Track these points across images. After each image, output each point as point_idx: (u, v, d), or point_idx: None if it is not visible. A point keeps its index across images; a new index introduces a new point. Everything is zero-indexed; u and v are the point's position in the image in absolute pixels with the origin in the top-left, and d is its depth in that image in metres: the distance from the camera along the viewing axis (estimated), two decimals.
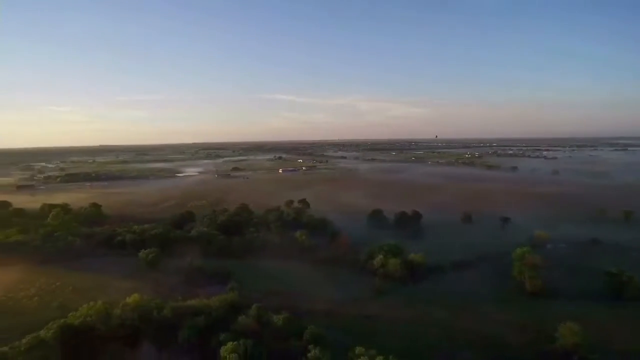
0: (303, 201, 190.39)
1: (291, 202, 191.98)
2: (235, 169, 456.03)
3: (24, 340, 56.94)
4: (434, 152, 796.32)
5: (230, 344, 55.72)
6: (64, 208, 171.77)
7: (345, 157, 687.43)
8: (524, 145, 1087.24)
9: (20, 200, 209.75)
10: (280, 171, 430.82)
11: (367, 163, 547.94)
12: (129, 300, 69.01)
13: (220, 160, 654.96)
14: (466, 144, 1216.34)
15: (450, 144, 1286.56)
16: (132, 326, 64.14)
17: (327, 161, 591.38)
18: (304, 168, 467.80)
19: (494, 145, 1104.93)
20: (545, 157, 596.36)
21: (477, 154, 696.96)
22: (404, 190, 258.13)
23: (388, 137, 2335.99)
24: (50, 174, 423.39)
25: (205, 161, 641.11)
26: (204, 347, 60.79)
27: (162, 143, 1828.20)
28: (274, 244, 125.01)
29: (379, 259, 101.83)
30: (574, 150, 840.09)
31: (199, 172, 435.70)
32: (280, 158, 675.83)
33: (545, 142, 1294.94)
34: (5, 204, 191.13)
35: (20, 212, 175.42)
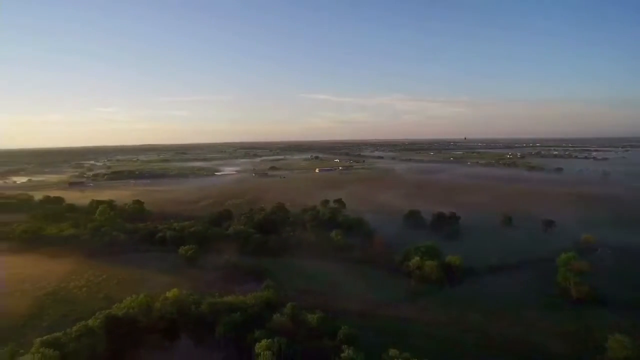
0: (339, 201, 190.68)
1: (327, 201, 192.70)
2: (273, 168, 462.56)
3: (74, 328, 60.71)
4: (473, 153, 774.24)
5: (264, 341, 56.77)
6: (110, 204, 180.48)
7: (382, 157, 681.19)
8: (570, 145, 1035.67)
9: (72, 196, 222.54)
10: (316, 171, 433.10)
11: (404, 163, 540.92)
12: (169, 294, 71.93)
13: (258, 159, 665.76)
14: (508, 144, 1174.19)
15: (490, 144, 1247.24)
16: (171, 320, 66.80)
17: (363, 161, 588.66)
18: (340, 168, 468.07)
19: (538, 146, 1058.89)
20: (594, 158, 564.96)
21: (519, 155, 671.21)
22: (442, 191, 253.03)
23: (426, 137, 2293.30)
24: (98, 171, 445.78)
25: (243, 160, 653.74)
26: (239, 343, 62.24)
27: (201, 142, 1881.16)
28: (309, 243, 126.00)
29: (415, 260, 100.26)
30: (627, 150, 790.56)
31: (237, 171, 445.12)
32: (316, 158, 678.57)
33: (594, 142, 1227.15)
34: (60, 200, 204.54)
35: (72, 208, 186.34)
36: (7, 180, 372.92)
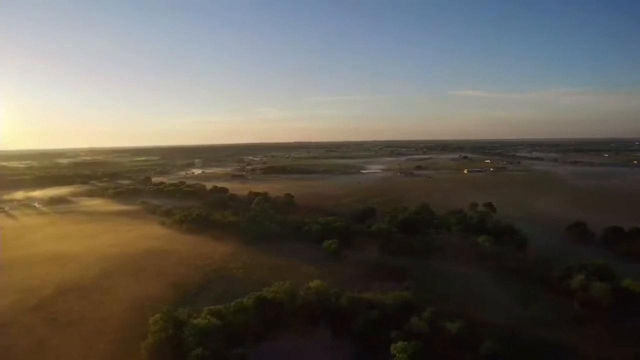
0: (489, 205, 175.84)
1: (475, 204, 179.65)
2: (418, 167, 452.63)
3: (232, 304, 69.25)
4: None
5: (401, 343, 55.72)
6: (265, 196, 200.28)
7: (541, 159, 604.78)
8: None
9: (234, 187, 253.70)
10: (465, 171, 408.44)
11: (568, 166, 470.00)
12: (312, 284, 76.40)
13: (403, 158, 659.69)
14: None
15: None
16: (312, 308, 70.71)
17: (518, 162, 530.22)
18: (491, 169, 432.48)
19: None
20: None
21: None
22: (619, 201, 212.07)
23: (597, 136, 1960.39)
24: (255, 166, 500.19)
25: (388, 159, 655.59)
26: (373, 340, 62.34)
27: (349, 140, 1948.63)
28: (454, 247, 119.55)
29: (579, 279, 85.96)
30: None
31: (382, 170, 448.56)
32: (465, 158, 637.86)
33: None
34: (224, 190, 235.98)
35: (234, 197, 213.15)
36: (187, 172, 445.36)
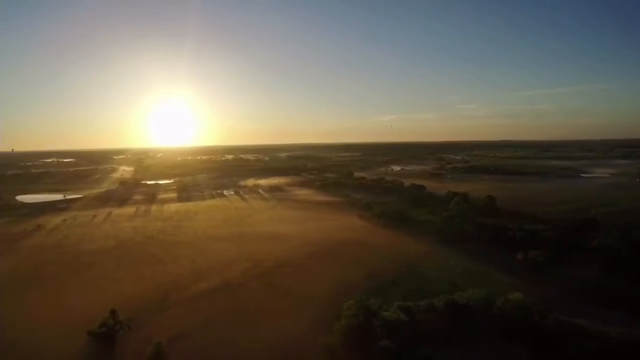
0: None
1: None
2: None
3: (422, 302, 69.30)
4: None
5: None
6: (464, 197, 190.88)
7: None
8: None
9: (431, 186, 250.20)
10: None
11: None
12: (511, 296, 69.27)
13: None
14: None
15: None
16: (509, 322, 64.23)
17: None
18: None
19: None
20: None
21: None
22: None
23: None
24: (455, 165, 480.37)
25: (622, 161, 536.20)
26: None
27: (568, 139, 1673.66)
28: None
29: None
30: None
31: (611, 174, 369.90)
32: None
33: None
34: (421, 187, 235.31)
35: (431, 196, 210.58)
36: (387, 168, 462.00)
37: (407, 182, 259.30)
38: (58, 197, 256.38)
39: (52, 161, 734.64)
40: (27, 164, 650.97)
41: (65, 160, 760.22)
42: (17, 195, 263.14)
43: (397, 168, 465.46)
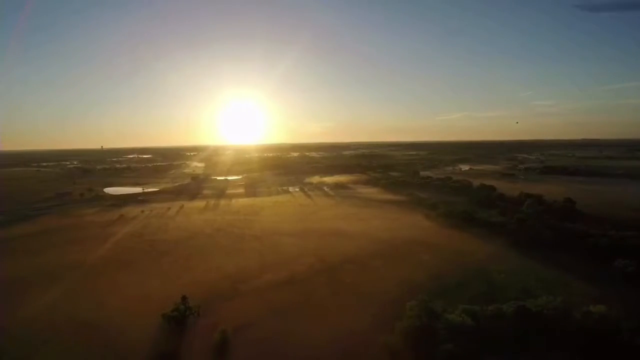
0: None
1: None
2: None
3: (489, 307, 66.11)
4: None
5: None
6: (538, 199, 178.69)
7: None
8: None
9: (502, 186, 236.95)
10: None
11: None
12: (594, 309, 63.79)
13: None
14: None
15: None
16: (591, 337, 59.11)
17: None
18: None
19: None
20: None
21: None
22: None
23: None
24: (529, 165, 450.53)
25: None
26: None
27: None
28: None
29: None
30: None
31: None
32: None
33: None
34: (492, 188, 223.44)
35: (502, 197, 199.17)
36: (455, 167, 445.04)
37: (476, 182, 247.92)
38: (137, 190, 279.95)
39: (133, 157, 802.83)
40: (113, 159, 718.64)
41: (144, 156, 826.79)
42: (105, 187, 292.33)
43: (465, 167, 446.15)
